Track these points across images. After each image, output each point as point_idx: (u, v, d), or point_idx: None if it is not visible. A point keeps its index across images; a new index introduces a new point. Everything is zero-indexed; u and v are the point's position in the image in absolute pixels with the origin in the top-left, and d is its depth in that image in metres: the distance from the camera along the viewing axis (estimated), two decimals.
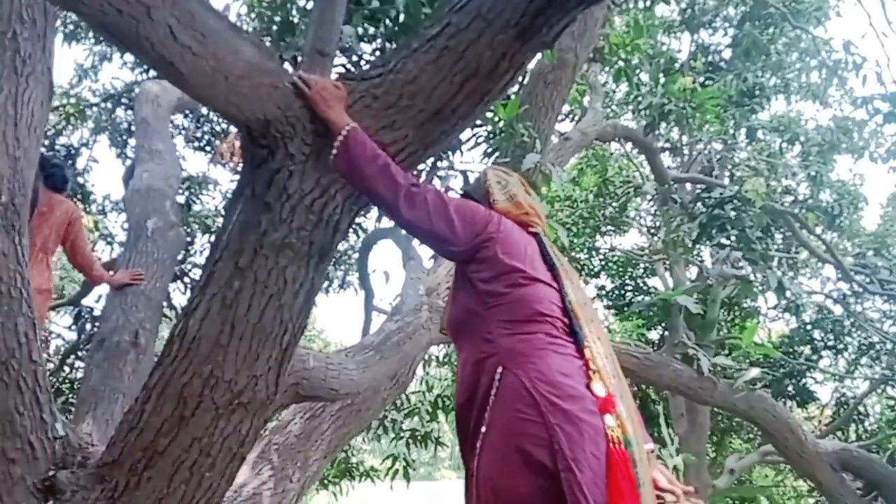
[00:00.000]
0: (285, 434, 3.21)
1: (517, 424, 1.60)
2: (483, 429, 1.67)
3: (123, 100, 6.89)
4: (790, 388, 9.36)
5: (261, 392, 1.94)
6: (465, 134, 3.59)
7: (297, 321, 1.98)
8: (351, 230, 6.18)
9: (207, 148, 7.54)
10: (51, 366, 6.22)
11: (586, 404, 1.62)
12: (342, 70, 3.18)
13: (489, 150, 3.49)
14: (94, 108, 7.11)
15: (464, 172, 3.26)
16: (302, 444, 3.16)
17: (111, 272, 3.62)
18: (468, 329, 1.83)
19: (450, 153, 3.28)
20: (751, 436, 12.12)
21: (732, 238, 5.22)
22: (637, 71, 5.49)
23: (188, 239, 5.97)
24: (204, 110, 6.89)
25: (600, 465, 1.56)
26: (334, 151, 1.80)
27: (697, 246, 5.85)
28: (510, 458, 1.59)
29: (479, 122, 3.49)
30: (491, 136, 3.39)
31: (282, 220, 1.89)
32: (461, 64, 1.88)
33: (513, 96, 3.51)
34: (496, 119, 3.14)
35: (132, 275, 3.46)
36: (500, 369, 1.68)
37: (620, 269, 11.19)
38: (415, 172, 2.49)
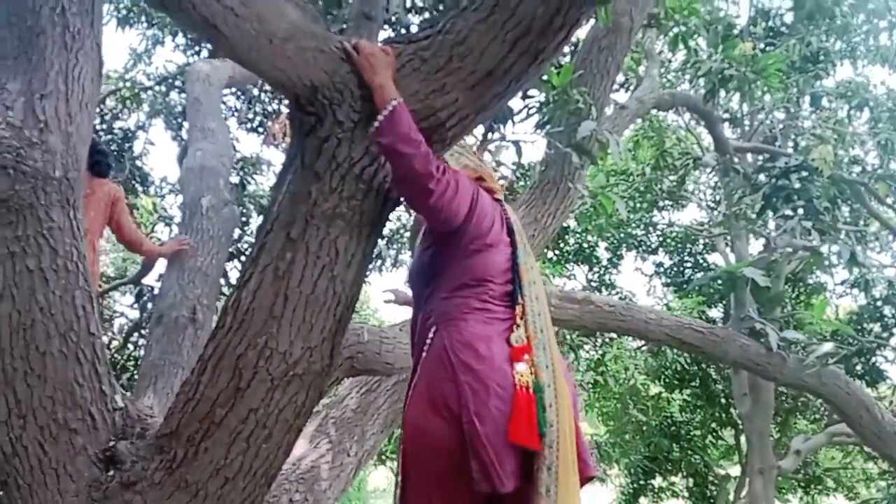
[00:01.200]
0: (342, 408, 3.21)
1: (435, 380, 1.84)
2: (415, 379, 1.92)
3: (177, 83, 6.99)
4: (859, 367, 9.01)
5: (316, 363, 1.92)
6: (517, 104, 3.50)
7: (350, 292, 1.95)
8: (403, 206, 6.16)
9: (260, 129, 7.61)
10: (115, 344, 6.41)
11: (497, 364, 1.82)
12: None
13: (542, 120, 3.38)
14: (149, 92, 7.25)
15: (516, 143, 3.17)
16: (359, 419, 3.16)
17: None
18: (423, 286, 2.02)
19: (501, 124, 3.19)
20: (817, 416, 11.75)
21: (799, 210, 4.98)
22: (694, 36, 5.26)
23: (243, 219, 6.05)
24: (255, 91, 6.94)
25: (504, 419, 1.76)
26: (377, 124, 1.77)
27: (761, 219, 5.63)
28: (428, 406, 1.83)
29: (531, 91, 3.39)
30: (543, 105, 3.29)
31: (332, 190, 1.85)
32: (513, 21, 1.80)
33: (566, 63, 3.40)
34: (550, 85, 3.04)
35: (179, 242, 3.54)
36: (434, 328, 1.92)
37: (679, 245, 10.91)
38: (475, 143, 2.42)
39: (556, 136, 3.36)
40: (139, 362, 5.83)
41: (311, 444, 3.08)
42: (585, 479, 1.93)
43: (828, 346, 3.34)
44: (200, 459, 1.91)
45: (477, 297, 1.92)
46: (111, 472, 1.99)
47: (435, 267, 1.99)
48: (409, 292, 2.35)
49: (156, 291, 5.88)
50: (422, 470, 1.85)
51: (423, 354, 1.92)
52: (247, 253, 6.34)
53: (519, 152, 3.15)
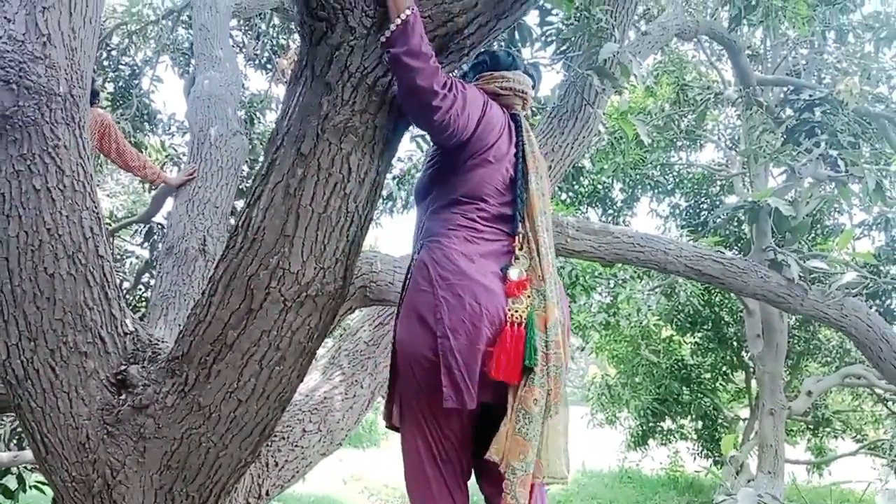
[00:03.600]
0: (355, 341, 3.18)
1: (417, 293, 1.86)
2: (403, 296, 1.96)
3: (183, 17, 6.80)
4: (874, 308, 8.93)
5: (329, 285, 1.86)
6: (536, 29, 3.34)
7: (363, 212, 1.88)
8: (416, 146, 6.01)
9: (268, 66, 7.44)
10: (127, 284, 6.39)
11: (479, 281, 1.79)
12: None
13: (561, 38, 3.23)
14: (156, 26, 7.06)
15: (535, 65, 3.04)
16: (371, 351, 3.12)
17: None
18: (422, 200, 2.02)
19: (519, 45, 3.05)
20: (828, 359, 11.74)
21: (821, 144, 4.84)
22: None
23: (251, 157, 5.94)
24: (263, 26, 6.75)
25: (478, 334, 1.75)
26: (388, 34, 1.70)
27: (784, 152, 5.49)
28: (409, 321, 1.86)
29: (550, 17, 3.24)
30: (564, 23, 3.14)
31: (344, 102, 1.76)
32: None
33: None
34: (570, 1, 2.88)
35: (187, 173, 3.50)
36: (420, 246, 1.93)
37: (695, 186, 10.71)
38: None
39: (575, 61, 3.22)
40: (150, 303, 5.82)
41: (325, 376, 3.05)
42: None
43: (851, 276, 3.25)
44: (213, 382, 1.87)
45: (464, 214, 1.90)
46: (123, 396, 1.96)
47: (433, 181, 1.98)
48: None
49: (166, 229, 5.84)
50: (409, 384, 1.88)
51: (411, 272, 1.93)
52: None
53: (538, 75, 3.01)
